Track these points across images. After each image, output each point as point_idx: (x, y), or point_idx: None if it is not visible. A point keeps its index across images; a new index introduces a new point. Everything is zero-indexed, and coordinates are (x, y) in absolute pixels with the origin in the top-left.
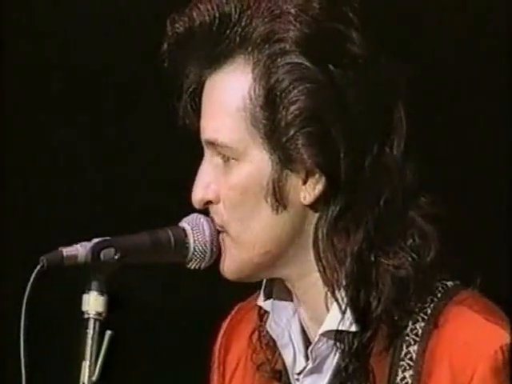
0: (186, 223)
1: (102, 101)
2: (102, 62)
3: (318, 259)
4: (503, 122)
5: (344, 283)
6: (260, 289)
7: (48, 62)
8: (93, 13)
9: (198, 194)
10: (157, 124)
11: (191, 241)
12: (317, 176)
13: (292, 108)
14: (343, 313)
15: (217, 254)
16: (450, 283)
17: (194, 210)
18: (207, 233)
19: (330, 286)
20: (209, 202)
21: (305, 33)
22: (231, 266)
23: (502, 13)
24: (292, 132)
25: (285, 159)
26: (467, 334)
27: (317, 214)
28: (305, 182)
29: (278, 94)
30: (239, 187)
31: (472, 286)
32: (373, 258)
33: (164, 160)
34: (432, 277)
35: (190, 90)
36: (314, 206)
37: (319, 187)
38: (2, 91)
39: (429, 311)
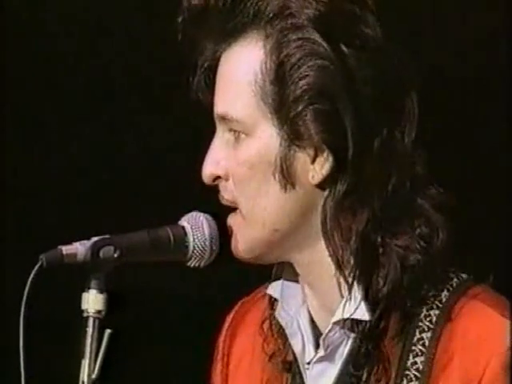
0: (185, 221)
1: (103, 100)
2: (101, 60)
3: (326, 238)
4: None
5: (351, 262)
6: (264, 283)
7: (47, 61)
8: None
9: (208, 170)
10: (157, 123)
11: (191, 239)
12: (325, 155)
13: (301, 83)
14: (349, 292)
15: (216, 252)
16: (465, 276)
17: (193, 208)
18: (207, 231)
19: (338, 265)
20: (218, 178)
21: (319, 10)
22: (243, 245)
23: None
24: (300, 107)
25: (293, 135)
26: (481, 329)
27: (325, 193)
28: (313, 161)
29: (288, 68)
30: (248, 163)
31: (486, 281)
32: (379, 239)
33: (164, 159)
34: (442, 265)
35: (205, 65)
36: (322, 185)
37: (327, 166)
38: (2, 91)
39: (444, 299)
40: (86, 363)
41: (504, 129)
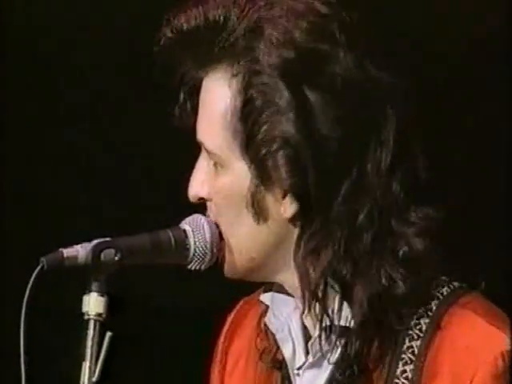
0: (186, 224)
1: (103, 100)
2: (101, 61)
3: (299, 273)
4: (504, 122)
5: (323, 295)
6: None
7: (47, 61)
8: (92, 13)
9: (193, 190)
10: (158, 123)
11: (192, 242)
12: (291, 196)
13: (263, 128)
14: (329, 318)
15: (217, 255)
16: (456, 284)
17: (195, 211)
18: (208, 234)
19: (308, 299)
20: (203, 199)
21: (284, 57)
22: (226, 266)
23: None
24: (265, 151)
25: (261, 174)
26: (469, 339)
27: (297, 229)
28: (284, 197)
29: (253, 110)
30: (222, 193)
31: (477, 288)
32: (348, 276)
33: (165, 160)
34: (428, 284)
35: (188, 87)
36: (293, 220)
37: (293, 208)
38: (3, 91)
39: (434, 308)
40: (86, 366)
41: (503, 131)
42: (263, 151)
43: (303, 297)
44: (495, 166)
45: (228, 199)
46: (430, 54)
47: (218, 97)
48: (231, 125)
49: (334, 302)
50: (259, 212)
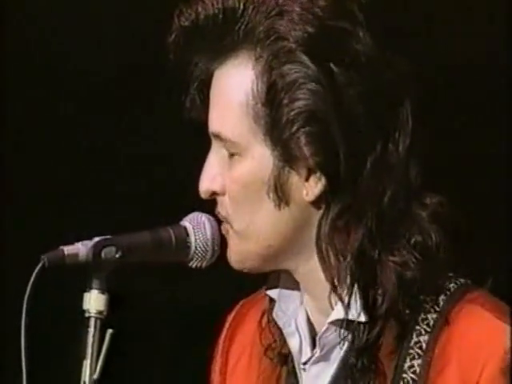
0: (187, 222)
1: (102, 100)
2: (101, 58)
3: (321, 257)
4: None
5: (348, 281)
6: (263, 284)
7: (47, 62)
8: (93, 10)
9: (205, 185)
10: (159, 122)
11: (192, 239)
12: (318, 174)
13: (292, 106)
14: (346, 311)
15: (218, 252)
16: (463, 281)
17: (195, 209)
18: (209, 231)
19: (333, 284)
20: (215, 193)
21: (307, 32)
22: (235, 256)
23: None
24: (292, 130)
25: (286, 156)
26: (477, 333)
27: (320, 212)
28: (307, 180)
29: (279, 91)
30: (241, 182)
31: (484, 285)
32: (376, 256)
33: (165, 159)
34: (438, 275)
35: (199, 80)
36: (316, 203)
37: (320, 186)
38: (3, 90)
39: (441, 303)
40: (87, 363)
41: (504, 129)
42: (289, 131)
43: (328, 280)
44: (497, 166)
45: (247, 187)
46: (430, 55)
47: (236, 84)
48: (253, 110)
49: (351, 291)
50: (281, 196)
